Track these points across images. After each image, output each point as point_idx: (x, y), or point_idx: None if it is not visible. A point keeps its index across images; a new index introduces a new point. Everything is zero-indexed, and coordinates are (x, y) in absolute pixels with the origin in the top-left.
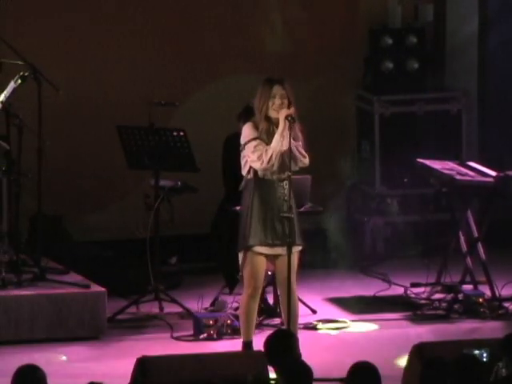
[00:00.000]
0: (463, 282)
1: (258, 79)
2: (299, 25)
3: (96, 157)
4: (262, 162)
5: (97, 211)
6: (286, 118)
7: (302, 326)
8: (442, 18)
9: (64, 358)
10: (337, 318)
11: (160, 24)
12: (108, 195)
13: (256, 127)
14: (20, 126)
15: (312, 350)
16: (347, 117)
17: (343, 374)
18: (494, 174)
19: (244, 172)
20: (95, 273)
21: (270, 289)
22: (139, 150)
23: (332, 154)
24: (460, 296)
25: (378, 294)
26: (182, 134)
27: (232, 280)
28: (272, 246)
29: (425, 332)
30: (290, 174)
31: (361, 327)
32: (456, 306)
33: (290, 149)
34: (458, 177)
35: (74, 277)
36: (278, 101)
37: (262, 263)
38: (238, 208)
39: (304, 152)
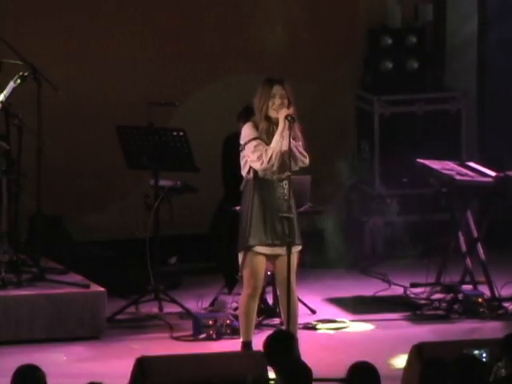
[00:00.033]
0: (463, 282)
1: (258, 79)
2: (299, 25)
3: (96, 157)
4: (262, 162)
5: (97, 211)
6: (286, 117)
7: (301, 326)
8: (441, 18)
9: (64, 358)
10: (336, 318)
11: (160, 24)
12: (108, 195)
13: (256, 127)
14: (20, 126)
15: (311, 350)
16: (347, 117)
17: (343, 374)
18: (493, 174)
19: (244, 172)
20: (95, 273)
21: (269, 289)
22: (139, 150)
23: (332, 154)
24: (460, 296)
25: (377, 294)
26: (181, 133)
27: (231, 280)
28: (272, 245)
29: (424, 332)
30: (289, 174)
31: (360, 327)
32: (456, 306)
33: (289, 149)
34: (458, 177)
35: (73, 277)
36: (277, 101)
37: (262, 263)
38: (237, 208)
39: (304, 152)
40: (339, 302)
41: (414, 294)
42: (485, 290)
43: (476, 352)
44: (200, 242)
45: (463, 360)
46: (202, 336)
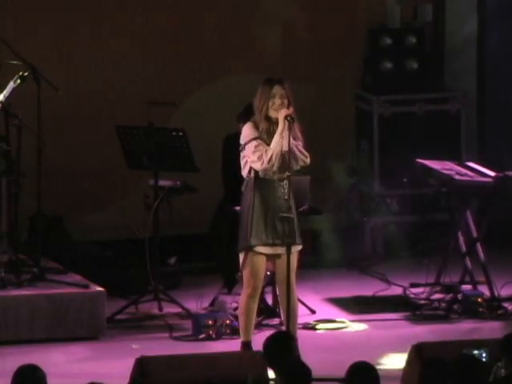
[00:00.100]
0: (462, 282)
1: (258, 79)
2: (299, 25)
3: (96, 157)
4: (262, 162)
5: (96, 211)
6: (286, 117)
7: (300, 326)
8: (441, 18)
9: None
10: (336, 318)
11: (160, 24)
12: (108, 195)
13: (256, 127)
14: (19, 126)
15: (311, 350)
16: (346, 117)
17: (342, 374)
18: (493, 174)
19: (244, 172)
20: (95, 273)
21: (268, 289)
22: (138, 150)
23: (331, 154)
24: (459, 296)
25: (377, 294)
26: (181, 133)
27: (231, 280)
28: (273, 245)
29: (424, 332)
30: (289, 174)
31: (360, 327)
32: (455, 306)
33: (289, 149)
34: (457, 177)
35: (73, 277)
36: (277, 101)
37: (263, 263)
38: (237, 208)
39: (305, 151)
40: (338, 302)
41: (413, 294)
42: (484, 290)
43: (475, 352)
44: (200, 242)
45: (463, 360)
46: (202, 336)
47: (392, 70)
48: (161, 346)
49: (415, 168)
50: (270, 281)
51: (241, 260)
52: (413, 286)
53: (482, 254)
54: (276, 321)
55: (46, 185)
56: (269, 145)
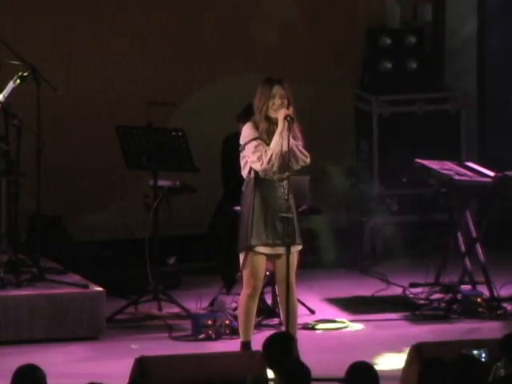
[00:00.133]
0: (462, 282)
1: (258, 79)
2: (299, 25)
3: (96, 157)
4: (262, 162)
5: (96, 211)
6: (285, 118)
7: (300, 327)
8: (440, 18)
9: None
10: (335, 318)
11: (160, 24)
12: (107, 195)
13: (256, 127)
14: (19, 126)
15: (310, 350)
16: (346, 117)
17: (342, 374)
18: (492, 174)
19: (244, 173)
20: (94, 273)
21: (268, 289)
22: (138, 150)
23: (331, 154)
24: (459, 296)
25: (376, 294)
26: (180, 133)
27: (230, 280)
28: (273, 245)
29: (423, 332)
30: (289, 174)
31: (359, 327)
32: (455, 306)
33: (289, 149)
34: (457, 177)
35: (72, 277)
36: (277, 101)
37: (263, 263)
38: (237, 208)
39: (305, 151)
40: (338, 302)
41: (413, 294)
42: (484, 290)
43: (475, 352)
44: (199, 242)
45: (462, 360)
46: (202, 336)
47: (392, 70)
48: (160, 346)
49: (415, 168)
50: (270, 281)
51: (241, 260)
52: (412, 286)
53: (481, 254)
54: (275, 321)
55: (45, 185)
56: (269, 145)
